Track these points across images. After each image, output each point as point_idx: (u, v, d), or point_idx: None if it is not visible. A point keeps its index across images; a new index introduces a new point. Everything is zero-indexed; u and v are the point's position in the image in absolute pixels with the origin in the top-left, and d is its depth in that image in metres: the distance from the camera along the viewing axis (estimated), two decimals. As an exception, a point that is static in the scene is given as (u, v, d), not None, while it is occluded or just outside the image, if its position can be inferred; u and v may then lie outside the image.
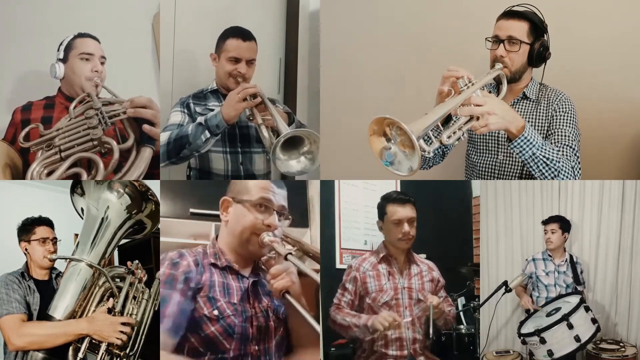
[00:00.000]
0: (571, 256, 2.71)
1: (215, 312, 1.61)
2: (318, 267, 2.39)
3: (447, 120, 1.97)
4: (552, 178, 1.90)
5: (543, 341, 2.33)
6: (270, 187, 1.72)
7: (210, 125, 2.21)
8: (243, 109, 2.23)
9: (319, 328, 1.57)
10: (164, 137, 2.26)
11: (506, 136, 1.91)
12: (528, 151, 1.85)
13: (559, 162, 1.89)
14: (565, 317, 2.31)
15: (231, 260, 1.71)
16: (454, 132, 1.79)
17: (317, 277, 1.59)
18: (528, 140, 1.84)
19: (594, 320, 2.37)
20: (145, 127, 2.14)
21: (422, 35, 2.84)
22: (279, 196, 1.73)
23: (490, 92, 2.03)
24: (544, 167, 1.88)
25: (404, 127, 1.62)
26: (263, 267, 1.75)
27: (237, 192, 1.73)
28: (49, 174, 2.05)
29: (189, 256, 1.67)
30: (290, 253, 1.61)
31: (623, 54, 2.48)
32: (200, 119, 2.26)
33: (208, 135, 2.22)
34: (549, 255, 2.73)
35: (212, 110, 2.40)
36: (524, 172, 2.16)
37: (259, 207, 1.69)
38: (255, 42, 2.44)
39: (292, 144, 2.12)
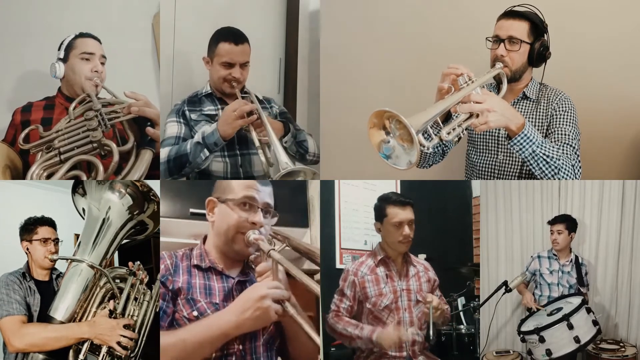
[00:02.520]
0: (577, 257, 2.71)
1: (195, 313, 1.61)
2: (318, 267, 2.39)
3: (446, 119, 1.98)
4: (552, 176, 1.90)
5: (542, 340, 2.32)
6: (254, 185, 1.73)
7: (208, 143, 2.23)
8: (239, 126, 2.24)
9: (317, 339, 1.54)
10: (163, 154, 2.26)
11: (506, 135, 1.91)
12: (528, 149, 1.85)
13: (559, 160, 1.89)
14: (566, 317, 2.31)
15: (215, 261, 1.71)
16: (454, 129, 1.79)
17: (302, 276, 1.56)
18: (528, 138, 1.84)
19: (595, 323, 2.37)
20: (149, 130, 2.14)
21: (422, 35, 2.84)
22: (263, 193, 1.73)
23: (490, 91, 2.03)
24: (544, 165, 1.88)
25: (403, 121, 1.62)
26: (253, 266, 1.75)
27: (221, 191, 1.73)
28: (49, 176, 2.05)
29: (167, 259, 1.69)
30: (273, 249, 1.61)
31: (623, 54, 2.48)
32: (197, 137, 2.27)
33: (207, 153, 2.25)
34: (554, 254, 2.73)
35: (207, 115, 2.41)
36: (524, 171, 2.16)
37: (243, 205, 1.69)
38: (248, 43, 2.42)
39: (289, 172, 2.12)
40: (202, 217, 1.96)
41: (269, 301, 1.51)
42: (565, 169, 1.91)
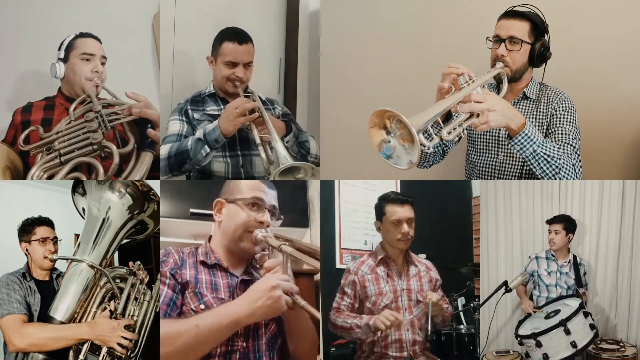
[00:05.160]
0: (575, 257, 2.70)
1: (202, 307, 1.63)
2: (317, 266, 2.39)
3: (447, 119, 1.98)
4: (553, 176, 1.90)
5: (539, 345, 2.32)
6: (261, 187, 1.77)
7: (209, 139, 2.23)
8: (241, 124, 2.25)
9: (318, 315, 1.58)
10: (164, 151, 2.27)
11: (507, 134, 1.91)
12: (529, 148, 1.85)
13: (559, 159, 1.89)
14: (563, 323, 2.31)
15: (221, 259, 1.73)
16: (454, 128, 1.79)
17: (311, 261, 1.61)
18: (529, 137, 1.84)
19: (592, 326, 2.36)
20: (150, 132, 2.14)
21: (422, 35, 2.84)
22: (270, 196, 1.77)
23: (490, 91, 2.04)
24: (545, 165, 1.88)
25: (404, 120, 1.62)
26: (257, 265, 1.77)
27: (230, 192, 1.76)
28: (49, 177, 2.04)
29: (175, 254, 1.71)
30: (284, 243, 1.63)
31: (623, 54, 2.48)
32: (199, 134, 2.27)
33: (208, 150, 2.25)
34: (552, 255, 2.72)
35: (210, 115, 2.41)
36: (524, 170, 2.16)
37: (252, 205, 1.73)
38: (252, 43, 2.43)
39: (289, 169, 2.14)
40: (202, 217, 1.97)
41: (280, 291, 1.53)
42: (566, 169, 1.91)
